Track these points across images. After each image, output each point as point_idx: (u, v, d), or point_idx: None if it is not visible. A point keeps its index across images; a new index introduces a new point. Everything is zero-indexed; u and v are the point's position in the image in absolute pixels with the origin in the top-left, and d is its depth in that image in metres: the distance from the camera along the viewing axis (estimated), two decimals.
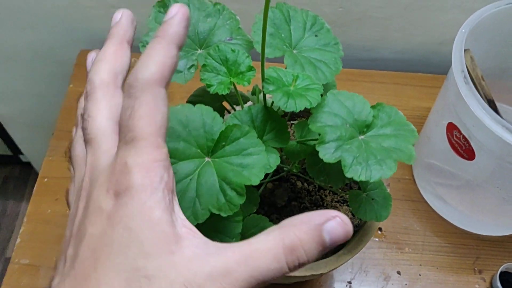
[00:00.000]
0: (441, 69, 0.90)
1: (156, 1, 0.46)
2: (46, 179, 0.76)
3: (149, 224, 0.27)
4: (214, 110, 0.48)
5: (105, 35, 0.98)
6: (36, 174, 1.52)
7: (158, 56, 0.30)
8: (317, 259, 0.52)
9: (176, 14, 0.32)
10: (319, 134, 0.40)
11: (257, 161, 0.38)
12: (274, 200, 0.56)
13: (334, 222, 0.29)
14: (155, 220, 0.27)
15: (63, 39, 0.92)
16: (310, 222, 0.29)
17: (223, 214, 0.37)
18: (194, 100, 0.51)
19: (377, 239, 0.73)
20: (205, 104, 0.49)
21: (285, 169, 0.54)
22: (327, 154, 0.39)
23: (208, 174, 0.38)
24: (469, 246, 0.73)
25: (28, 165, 1.49)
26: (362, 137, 0.41)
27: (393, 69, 0.92)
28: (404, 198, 0.77)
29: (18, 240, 0.72)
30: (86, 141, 0.32)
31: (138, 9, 0.85)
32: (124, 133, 0.29)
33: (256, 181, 0.38)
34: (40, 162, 0.79)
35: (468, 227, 0.74)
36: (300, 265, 0.29)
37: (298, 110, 0.39)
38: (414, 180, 0.78)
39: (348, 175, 0.38)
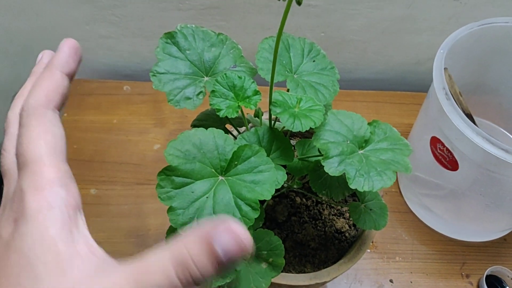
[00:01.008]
0: (418, 87, 0.95)
1: (163, 33, 0.49)
2: None
3: (42, 246, 0.27)
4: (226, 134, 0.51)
5: (96, 65, 1.01)
6: None
7: (43, 82, 0.33)
8: (319, 267, 0.56)
9: (63, 45, 0.37)
10: (319, 151, 0.43)
11: (268, 178, 0.41)
12: (275, 216, 0.59)
13: (225, 234, 0.26)
14: (49, 240, 0.27)
15: None
16: (200, 234, 0.27)
17: None
18: (197, 124, 0.54)
19: (369, 250, 0.77)
20: (208, 127, 0.52)
21: (285, 185, 0.57)
22: (331, 168, 0.42)
23: (223, 192, 0.41)
24: (455, 253, 0.77)
25: None
26: (361, 151, 0.45)
27: (373, 88, 0.97)
28: (392, 210, 0.81)
29: None
30: (3, 174, 0.33)
31: (130, 40, 0.89)
32: (19, 160, 0.30)
33: (268, 196, 0.41)
34: None
35: (454, 234, 0.78)
36: (196, 280, 0.26)
37: (304, 130, 0.42)
38: (400, 192, 0.82)
39: (353, 186, 0.42)
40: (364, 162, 0.43)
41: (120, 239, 0.76)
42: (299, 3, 0.33)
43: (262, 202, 0.55)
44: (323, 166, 0.42)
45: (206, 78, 0.48)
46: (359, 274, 0.75)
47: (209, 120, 0.55)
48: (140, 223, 0.77)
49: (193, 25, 0.50)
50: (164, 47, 0.48)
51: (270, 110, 0.44)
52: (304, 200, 0.61)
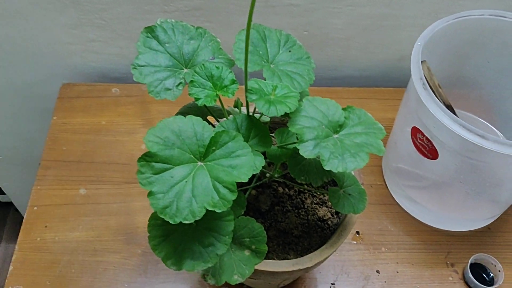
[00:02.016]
0: (401, 83, 0.97)
1: (144, 27, 0.51)
2: (35, 207, 0.79)
3: None
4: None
5: (84, 69, 1.02)
6: (16, 213, 1.52)
7: None
8: (302, 255, 0.57)
9: None
10: (297, 136, 0.45)
11: (245, 162, 0.43)
12: (259, 206, 0.60)
13: None
14: None
15: (44, 74, 0.95)
16: None
17: (218, 210, 0.41)
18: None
19: (355, 242, 0.78)
20: None
21: (267, 175, 0.58)
22: (306, 151, 0.44)
23: (202, 176, 0.43)
24: (440, 242, 0.79)
25: (5, 205, 1.50)
26: (336, 136, 0.46)
27: (357, 85, 0.99)
28: (378, 202, 0.82)
29: (11, 267, 0.74)
30: None
31: (117, 42, 0.90)
32: None
33: (245, 179, 0.42)
34: (22, 197, 0.81)
35: (438, 224, 0.79)
36: None
37: (279, 115, 0.44)
38: (386, 185, 0.84)
39: (327, 167, 0.43)
40: (339, 145, 0.45)
41: (110, 237, 0.77)
42: None
43: (244, 191, 0.56)
44: None
45: (185, 70, 0.50)
46: (345, 266, 0.76)
47: (191, 113, 0.56)
48: (129, 221, 0.78)
49: (173, 20, 0.51)
50: (144, 41, 0.50)
51: (246, 97, 0.45)
52: (286, 189, 0.62)
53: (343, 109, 0.48)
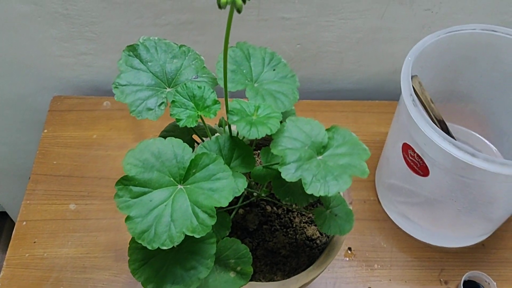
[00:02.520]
0: (396, 95, 0.96)
1: (126, 46, 0.50)
2: (24, 223, 0.78)
3: None
4: (185, 142, 0.52)
5: (75, 82, 1.02)
6: (12, 223, 1.51)
7: None
8: (289, 275, 0.56)
9: None
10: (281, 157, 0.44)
11: (225, 185, 0.42)
12: (246, 225, 0.59)
13: None
14: None
15: (35, 87, 0.95)
16: None
17: (197, 236, 0.41)
18: (165, 135, 0.55)
19: (347, 259, 0.77)
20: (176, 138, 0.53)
21: (254, 194, 0.58)
22: (288, 174, 0.43)
23: (182, 200, 0.42)
24: (433, 259, 0.78)
25: (1, 215, 1.49)
26: (320, 157, 0.46)
27: (352, 98, 0.98)
28: (370, 218, 0.81)
29: None
30: None
31: (108, 55, 0.90)
32: None
33: (225, 203, 0.41)
34: (16, 209, 0.81)
35: (431, 241, 0.78)
36: None
37: (260, 137, 0.43)
38: (378, 200, 0.83)
39: (309, 191, 0.42)
40: (322, 167, 0.44)
41: (99, 254, 0.76)
42: (239, 11, 0.34)
43: (230, 211, 0.55)
44: None
45: (168, 89, 0.49)
46: (338, 283, 0.75)
47: (176, 131, 0.55)
48: (119, 238, 0.77)
49: (156, 38, 0.51)
50: (126, 60, 0.49)
51: (227, 118, 0.44)
52: (275, 208, 0.61)
53: (327, 129, 0.47)
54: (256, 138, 0.54)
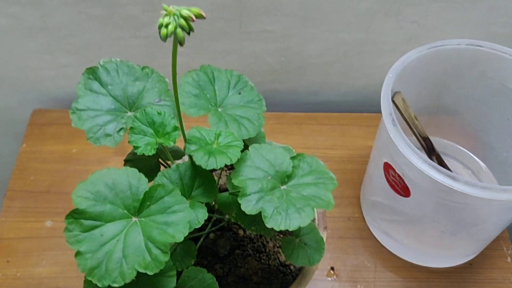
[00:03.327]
0: None
1: (85, 68, 0.48)
2: None
3: None
4: (151, 166, 0.50)
5: (57, 94, 1.00)
6: None
7: None
8: None
9: None
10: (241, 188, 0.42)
11: (181, 218, 0.40)
12: (217, 250, 0.57)
13: None
14: None
15: (15, 99, 0.93)
16: None
17: (150, 273, 0.39)
18: (131, 158, 0.53)
19: (329, 279, 0.75)
20: (142, 162, 0.51)
21: (225, 218, 0.56)
22: (248, 206, 0.41)
23: (135, 234, 0.40)
24: (419, 279, 0.75)
25: None
26: (284, 187, 0.43)
27: (339, 109, 0.96)
28: (354, 236, 0.79)
29: None
30: None
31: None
32: None
33: (180, 238, 0.39)
34: None
35: (417, 260, 0.76)
36: None
37: (219, 168, 0.41)
38: (363, 217, 0.80)
39: (269, 225, 0.40)
40: (284, 198, 0.42)
41: (74, 274, 0.74)
42: (181, 44, 0.32)
43: (195, 239, 0.53)
44: None
45: (129, 113, 0.47)
46: None
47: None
48: None
49: (118, 60, 0.49)
50: (85, 83, 0.47)
51: (185, 148, 0.42)
52: (247, 232, 0.59)
53: (293, 157, 0.45)
54: None
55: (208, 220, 0.50)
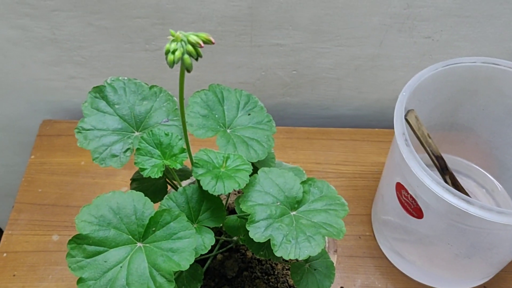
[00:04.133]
0: None
1: (92, 87, 0.47)
2: (5, 254, 0.76)
3: None
4: (158, 186, 0.49)
5: (67, 105, 0.99)
6: None
7: None
8: None
9: None
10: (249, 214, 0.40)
11: (187, 245, 0.39)
12: (225, 272, 0.56)
13: None
14: None
15: (24, 110, 0.93)
16: None
17: None
18: (138, 177, 0.52)
19: None
20: (149, 181, 0.50)
21: (233, 240, 0.54)
22: (257, 233, 0.40)
23: (139, 261, 0.39)
24: None
25: None
26: (293, 213, 0.42)
27: (351, 125, 0.95)
28: (365, 255, 0.77)
29: None
30: None
31: (98, 79, 0.88)
32: None
33: (186, 266, 0.38)
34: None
35: (429, 282, 0.74)
36: None
37: (226, 193, 0.40)
38: (374, 236, 0.79)
39: (278, 254, 0.39)
40: (294, 225, 0.40)
41: None
42: (188, 71, 0.31)
43: (202, 261, 0.52)
44: None
45: (136, 133, 0.46)
46: None
47: None
48: None
49: (126, 78, 0.48)
50: (92, 102, 0.47)
51: (192, 171, 0.41)
52: None
53: (304, 182, 0.44)
54: None
55: (215, 242, 0.48)
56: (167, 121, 0.47)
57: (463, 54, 0.81)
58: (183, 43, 0.30)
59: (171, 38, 0.30)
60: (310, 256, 0.49)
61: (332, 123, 0.96)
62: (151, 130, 0.43)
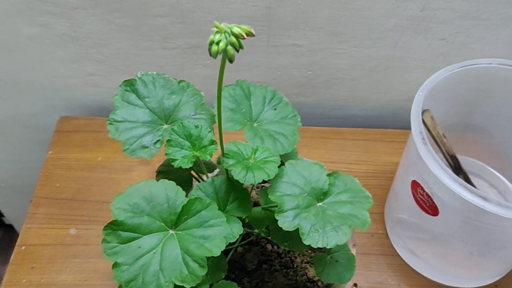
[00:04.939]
0: (409, 124, 0.93)
1: (123, 80, 0.48)
2: (23, 247, 0.77)
3: None
4: (183, 179, 0.50)
5: (84, 102, 1.01)
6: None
7: None
8: None
9: None
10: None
11: (218, 233, 0.40)
12: (245, 264, 0.57)
13: None
14: None
15: (42, 107, 0.94)
16: None
17: (187, 286, 0.39)
18: (163, 170, 0.53)
19: None
20: (174, 173, 0.51)
21: (254, 233, 0.55)
22: (286, 222, 0.41)
23: (172, 247, 0.40)
24: None
25: (11, 227, 1.49)
26: (320, 204, 0.43)
27: (364, 125, 0.96)
28: (378, 253, 0.78)
29: None
30: None
31: (117, 77, 0.89)
32: None
33: (217, 252, 0.39)
34: (21, 227, 0.80)
35: (441, 279, 0.75)
36: None
37: (257, 183, 0.41)
38: (387, 234, 0.80)
39: (306, 242, 0.40)
40: (321, 216, 0.42)
41: (97, 281, 0.74)
42: (231, 61, 0.32)
43: (226, 252, 0.53)
44: None
45: (165, 126, 0.48)
46: None
47: None
48: None
49: (154, 72, 0.49)
50: (123, 95, 0.48)
51: (223, 161, 0.43)
52: (275, 247, 0.59)
53: (329, 174, 0.45)
54: None
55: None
56: (195, 115, 0.48)
57: (478, 56, 0.82)
58: (226, 34, 0.32)
59: (215, 29, 0.32)
60: (332, 248, 0.50)
61: (345, 123, 0.97)
62: (182, 123, 0.45)
